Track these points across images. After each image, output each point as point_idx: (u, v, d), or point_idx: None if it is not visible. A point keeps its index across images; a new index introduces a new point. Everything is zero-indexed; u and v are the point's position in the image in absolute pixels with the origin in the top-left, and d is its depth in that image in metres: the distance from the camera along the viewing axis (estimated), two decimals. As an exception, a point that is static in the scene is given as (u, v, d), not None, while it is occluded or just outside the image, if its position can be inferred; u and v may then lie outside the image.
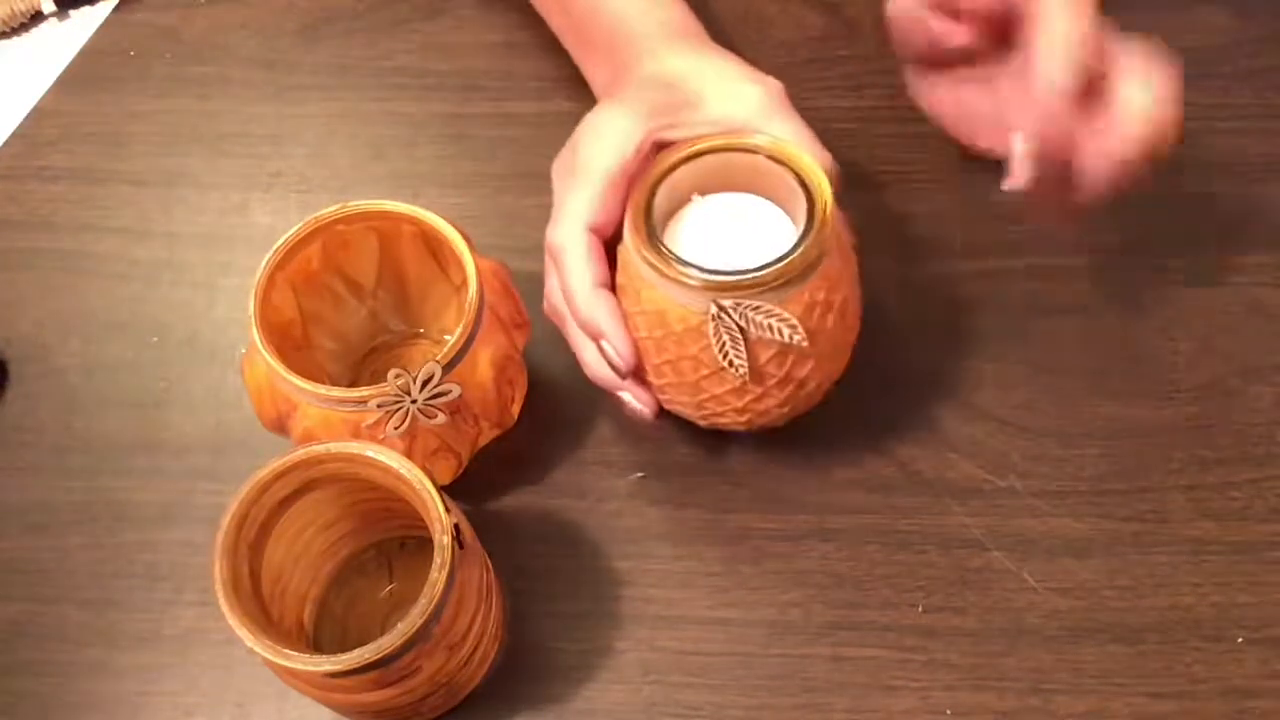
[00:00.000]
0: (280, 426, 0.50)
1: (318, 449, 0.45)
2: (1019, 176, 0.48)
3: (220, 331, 0.60)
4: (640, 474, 0.55)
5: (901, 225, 0.62)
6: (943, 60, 0.55)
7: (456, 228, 0.50)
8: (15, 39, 0.72)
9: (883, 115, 0.60)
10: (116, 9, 0.72)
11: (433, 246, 0.53)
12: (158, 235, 0.64)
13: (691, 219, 0.50)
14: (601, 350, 0.49)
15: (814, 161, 0.48)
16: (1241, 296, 0.59)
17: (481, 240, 0.51)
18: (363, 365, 0.57)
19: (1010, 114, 0.52)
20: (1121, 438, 0.56)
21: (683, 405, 0.51)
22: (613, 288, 0.50)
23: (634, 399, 0.50)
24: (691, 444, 0.56)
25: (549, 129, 0.66)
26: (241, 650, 0.42)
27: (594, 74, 0.59)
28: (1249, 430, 0.56)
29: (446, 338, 0.54)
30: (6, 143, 0.67)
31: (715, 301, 0.45)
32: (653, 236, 0.47)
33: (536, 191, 0.63)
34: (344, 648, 0.41)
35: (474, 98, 0.68)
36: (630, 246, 0.48)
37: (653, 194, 0.48)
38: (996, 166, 0.50)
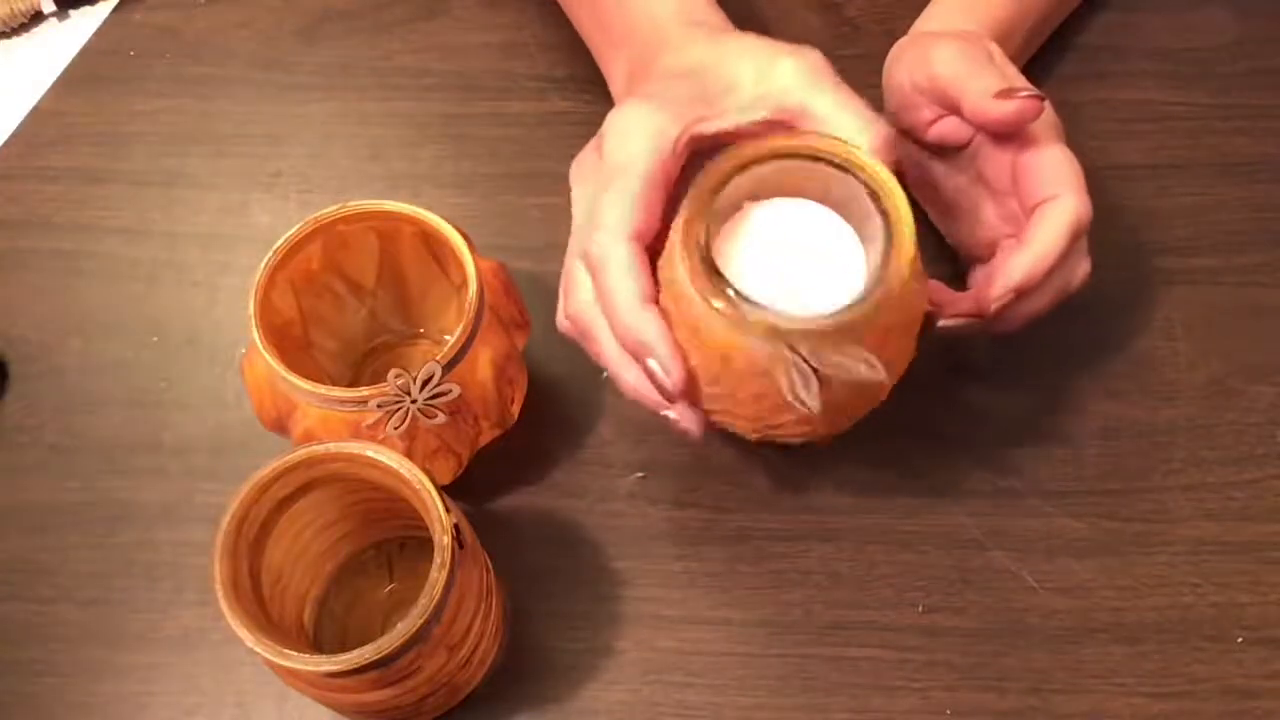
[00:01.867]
0: (280, 426, 0.50)
1: (318, 449, 0.45)
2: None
3: (220, 331, 0.60)
4: (640, 474, 0.55)
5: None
6: (925, 142, 0.55)
7: (456, 228, 0.50)
8: (15, 39, 0.72)
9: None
10: (116, 9, 0.72)
11: (433, 246, 0.53)
12: (158, 235, 0.64)
13: (745, 232, 0.44)
14: (648, 370, 0.43)
15: (888, 172, 0.43)
16: (1241, 296, 0.59)
17: (481, 240, 0.51)
18: (363, 365, 0.57)
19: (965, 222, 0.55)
20: (1121, 438, 0.56)
21: (734, 421, 0.45)
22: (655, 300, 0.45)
23: (681, 418, 0.45)
24: (691, 444, 0.56)
25: (549, 129, 0.66)
26: (241, 650, 0.42)
27: (614, 71, 0.56)
28: (1249, 430, 0.56)
29: (446, 338, 0.54)
30: (6, 143, 0.67)
31: (790, 346, 0.41)
32: (715, 275, 0.41)
33: (536, 191, 0.64)
34: (344, 648, 0.41)
35: (474, 98, 0.68)
36: (685, 281, 0.42)
37: (708, 222, 0.42)
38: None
